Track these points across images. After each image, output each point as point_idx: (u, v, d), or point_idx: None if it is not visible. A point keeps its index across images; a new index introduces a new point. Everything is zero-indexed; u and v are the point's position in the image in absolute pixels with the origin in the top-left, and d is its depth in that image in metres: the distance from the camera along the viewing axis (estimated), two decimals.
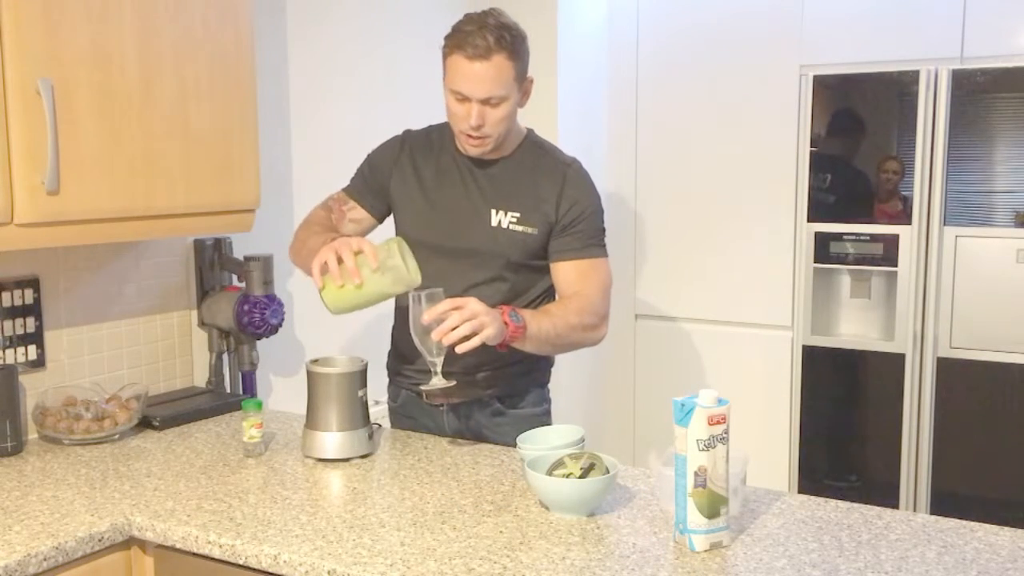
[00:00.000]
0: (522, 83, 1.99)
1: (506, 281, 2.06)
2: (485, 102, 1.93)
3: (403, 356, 2.17)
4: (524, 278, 2.08)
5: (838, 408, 3.38)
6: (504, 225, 2.04)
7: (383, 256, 1.84)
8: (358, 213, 2.17)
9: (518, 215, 2.04)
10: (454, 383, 1.92)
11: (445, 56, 1.96)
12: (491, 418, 2.14)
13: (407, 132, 2.18)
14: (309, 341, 2.83)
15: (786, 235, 3.47)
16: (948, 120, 3.07)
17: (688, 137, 3.64)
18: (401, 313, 2.15)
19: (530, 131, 2.13)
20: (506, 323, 1.87)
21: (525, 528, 1.61)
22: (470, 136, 1.98)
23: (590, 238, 2.05)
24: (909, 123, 3.13)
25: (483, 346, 1.84)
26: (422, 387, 1.93)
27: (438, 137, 2.13)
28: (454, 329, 1.80)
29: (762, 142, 3.49)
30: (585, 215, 2.05)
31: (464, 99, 1.94)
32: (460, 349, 1.82)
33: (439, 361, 1.88)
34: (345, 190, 2.20)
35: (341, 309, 1.88)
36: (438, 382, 1.89)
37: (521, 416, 2.13)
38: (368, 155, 2.20)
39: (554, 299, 2.11)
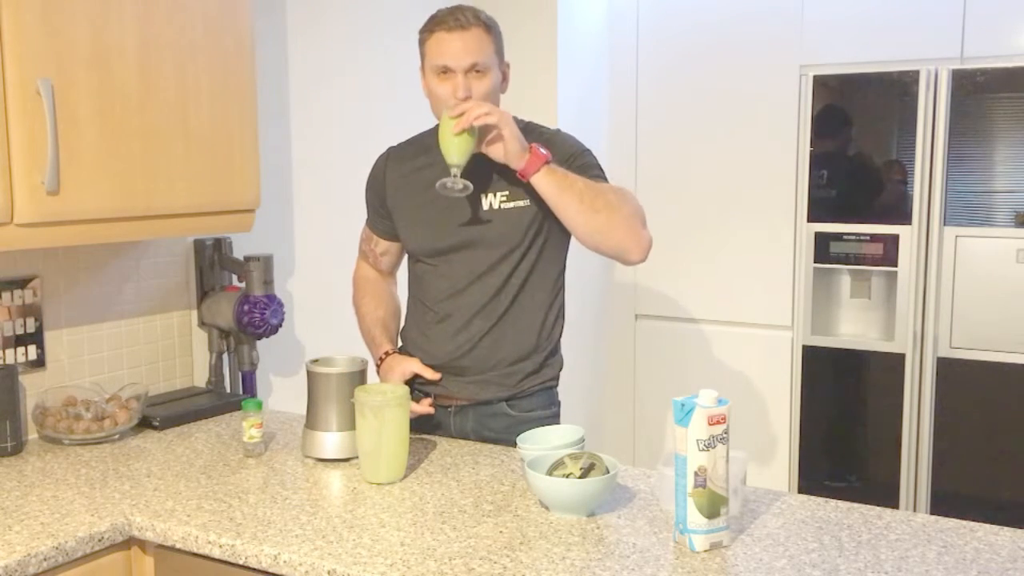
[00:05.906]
0: (501, 63, 2.01)
1: (505, 271, 2.04)
2: (470, 70, 1.94)
3: (409, 356, 2.16)
4: (525, 265, 2.06)
5: (838, 408, 3.38)
6: (496, 206, 2.02)
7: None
8: (383, 245, 2.19)
9: (507, 193, 2.02)
10: (471, 186, 1.90)
11: (423, 42, 1.98)
12: (499, 421, 2.11)
13: (388, 148, 2.18)
14: (309, 341, 2.83)
15: (786, 235, 3.47)
16: (948, 120, 3.07)
17: (688, 137, 3.64)
18: (412, 309, 2.15)
19: (514, 117, 2.12)
20: (530, 148, 1.88)
21: (525, 528, 1.61)
22: None
23: (591, 169, 2.02)
24: (909, 123, 3.13)
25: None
26: (436, 183, 1.91)
27: (420, 141, 2.12)
28: (477, 118, 1.82)
29: (762, 142, 3.49)
30: (575, 154, 2.02)
31: (448, 72, 1.95)
32: (479, 122, 1.83)
33: (462, 164, 1.88)
34: (366, 226, 2.22)
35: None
36: (452, 181, 1.88)
37: (530, 420, 2.08)
38: (364, 188, 2.20)
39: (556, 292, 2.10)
